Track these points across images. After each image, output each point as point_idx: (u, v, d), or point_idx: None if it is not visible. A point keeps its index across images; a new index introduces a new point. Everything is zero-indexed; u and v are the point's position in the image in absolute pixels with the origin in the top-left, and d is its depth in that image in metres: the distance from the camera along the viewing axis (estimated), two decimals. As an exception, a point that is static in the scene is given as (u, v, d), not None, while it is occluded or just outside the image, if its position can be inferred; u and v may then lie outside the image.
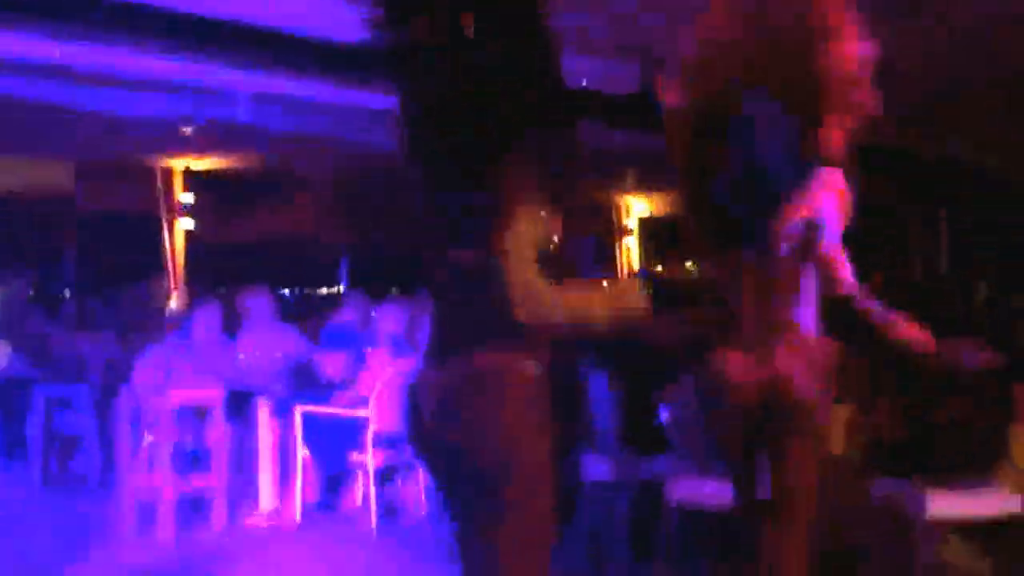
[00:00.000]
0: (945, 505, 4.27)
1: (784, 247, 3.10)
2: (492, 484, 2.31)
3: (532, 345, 2.37)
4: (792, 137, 3.10)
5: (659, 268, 15.48)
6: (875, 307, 3.15)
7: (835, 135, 3.07)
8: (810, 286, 3.17)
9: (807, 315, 3.18)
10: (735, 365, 3.17)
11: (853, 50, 3.07)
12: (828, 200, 3.08)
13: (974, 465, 4.37)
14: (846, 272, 3.14)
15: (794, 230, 3.08)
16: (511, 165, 2.29)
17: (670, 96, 3.33)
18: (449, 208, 2.41)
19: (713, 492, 4.34)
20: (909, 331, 3.18)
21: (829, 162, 3.10)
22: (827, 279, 3.14)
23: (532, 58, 2.36)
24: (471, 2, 2.32)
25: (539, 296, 2.27)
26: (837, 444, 4.52)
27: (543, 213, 2.31)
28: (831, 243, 3.10)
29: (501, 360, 2.34)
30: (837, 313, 3.23)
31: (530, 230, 2.28)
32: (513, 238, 2.25)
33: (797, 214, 3.06)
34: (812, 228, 3.07)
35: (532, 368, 2.37)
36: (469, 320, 2.40)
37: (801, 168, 3.08)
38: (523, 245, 2.26)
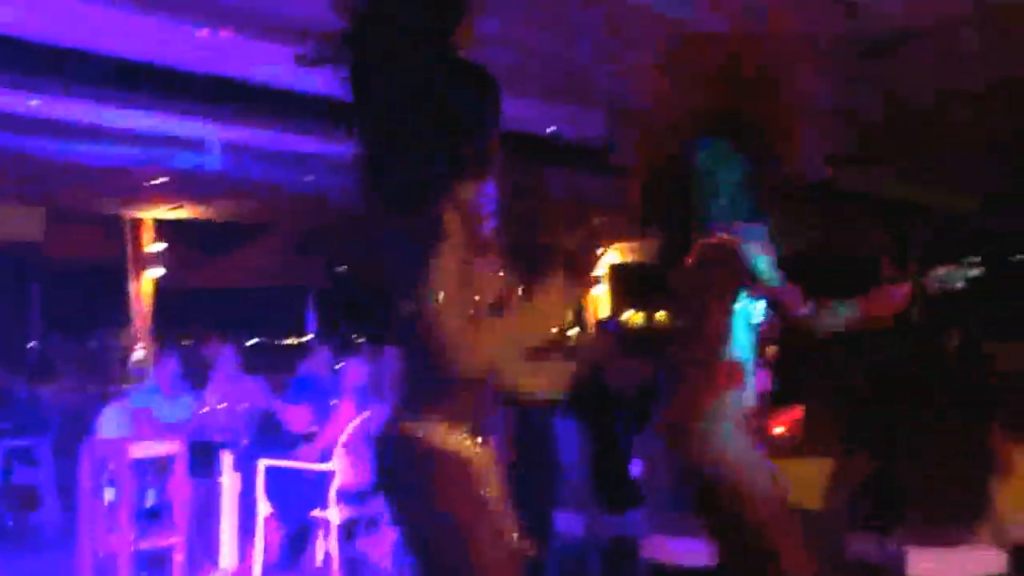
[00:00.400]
0: (926, 564, 4.10)
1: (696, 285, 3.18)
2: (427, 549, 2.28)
3: (468, 412, 2.27)
4: (742, 179, 3.21)
5: (630, 315, 15.37)
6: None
7: (778, 176, 3.23)
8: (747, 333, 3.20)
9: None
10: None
11: (802, 96, 3.17)
12: (754, 243, 3.15)
13: (956, 519, 4.20)
14: (793, 298, 3.16)
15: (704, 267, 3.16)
16: (444, 213, 2.19)
17: (633, 151, 3.41)
18: (392, 255, 2.33)
19: (687, 549, 4.20)
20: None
21: (763, 206, 3.20)
22: (780, 311, 3.20)
23: (466, 108, 2.28)
24: (406, 56, 2.26)
25: (467, 347, 2.15)
26: (815, 499, 4.35)
27: (489, 262, 2.24)
28: (771, 278, 3.13)
29: (426, 431, 2.24)
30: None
31: (466, 277, 2.18)
32: (446, 283, 2.15)
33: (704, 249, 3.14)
34: (734, 267, 3.11)
35: (464, 442, 2.26)
36: (410, 377, 2.34)
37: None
38: (456, 292, 2.16)
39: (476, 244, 2.24)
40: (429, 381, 2.27)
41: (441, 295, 2.14)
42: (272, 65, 6.30)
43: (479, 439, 2.28)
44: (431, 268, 2.15)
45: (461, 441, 2.26)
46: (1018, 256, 13.66)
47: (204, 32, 5.81)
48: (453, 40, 2.31)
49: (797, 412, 4.86)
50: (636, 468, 4.84)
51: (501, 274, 2.28)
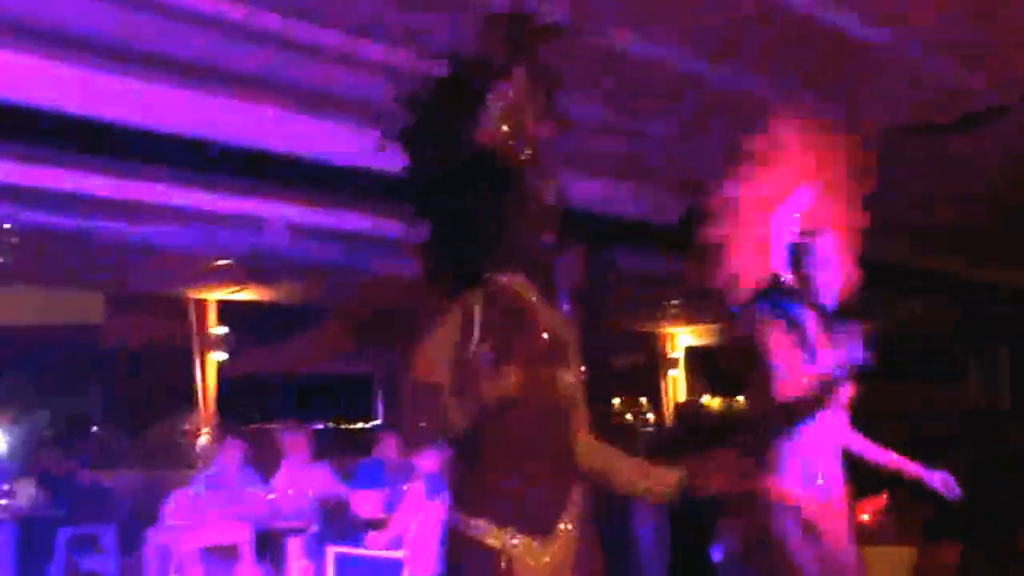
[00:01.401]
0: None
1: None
2: None
3: (518, 510, 2.33)
4: None
5: (707, 400, 15.36)
6: None
7: None
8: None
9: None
10: None
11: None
12: None
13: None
14: None
15: None
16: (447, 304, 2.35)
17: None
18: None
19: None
20: None
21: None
22: None
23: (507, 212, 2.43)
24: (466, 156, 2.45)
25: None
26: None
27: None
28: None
29: (472, 528, 2.32)
30: None
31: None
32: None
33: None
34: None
35: (511, 541, 2.31)
36: (455, 470, 2.43)
37: None
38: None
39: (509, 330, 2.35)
40: (474, 474, 2.36)
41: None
42: (340, 144, 6.54)
43: (532, 539, 2.32)
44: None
45: (507, 539, 2.30)
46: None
47: (272, 111, 6.07)
48: (474, 137, 2.46)
49: (881, 500, 4.93)
50: (716, 554, 4.92)
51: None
